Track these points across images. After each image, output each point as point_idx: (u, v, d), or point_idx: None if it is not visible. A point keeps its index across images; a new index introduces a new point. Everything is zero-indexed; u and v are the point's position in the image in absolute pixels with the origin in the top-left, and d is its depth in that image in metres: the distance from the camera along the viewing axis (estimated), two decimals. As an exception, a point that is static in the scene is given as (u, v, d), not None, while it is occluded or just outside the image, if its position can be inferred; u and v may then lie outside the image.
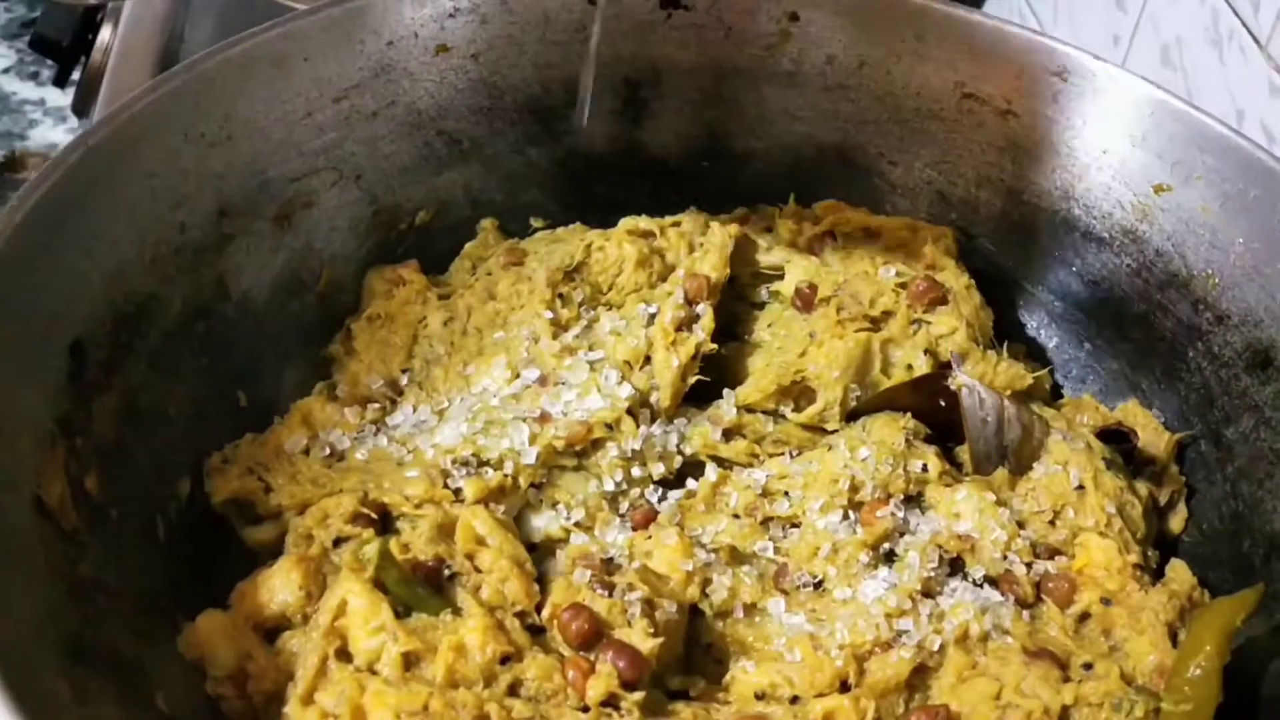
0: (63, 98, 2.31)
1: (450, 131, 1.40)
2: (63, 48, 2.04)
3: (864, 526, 1.18)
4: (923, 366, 1.30)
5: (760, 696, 1.08)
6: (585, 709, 1.00)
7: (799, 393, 1.31)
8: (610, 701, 1.01)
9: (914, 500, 1.22)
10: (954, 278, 1.36)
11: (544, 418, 1.23)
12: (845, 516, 1.19)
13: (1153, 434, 1.31)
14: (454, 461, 1.18)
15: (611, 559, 1.17)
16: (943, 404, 1.25)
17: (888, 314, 1.33)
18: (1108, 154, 1.37)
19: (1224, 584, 1.19)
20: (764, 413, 1.31)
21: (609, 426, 1.24)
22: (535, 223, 1.48)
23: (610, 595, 1.09)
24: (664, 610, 1.10)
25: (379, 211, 1.38)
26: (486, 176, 1.44)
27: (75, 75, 1.93)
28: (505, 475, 1.19)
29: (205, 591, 1.10)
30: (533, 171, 1.47)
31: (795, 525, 1.21)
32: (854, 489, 1.20)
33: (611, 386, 1.26)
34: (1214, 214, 1.29)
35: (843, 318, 1.31)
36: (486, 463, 1.19)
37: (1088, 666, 1.09)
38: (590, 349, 1.30)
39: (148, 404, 1.13)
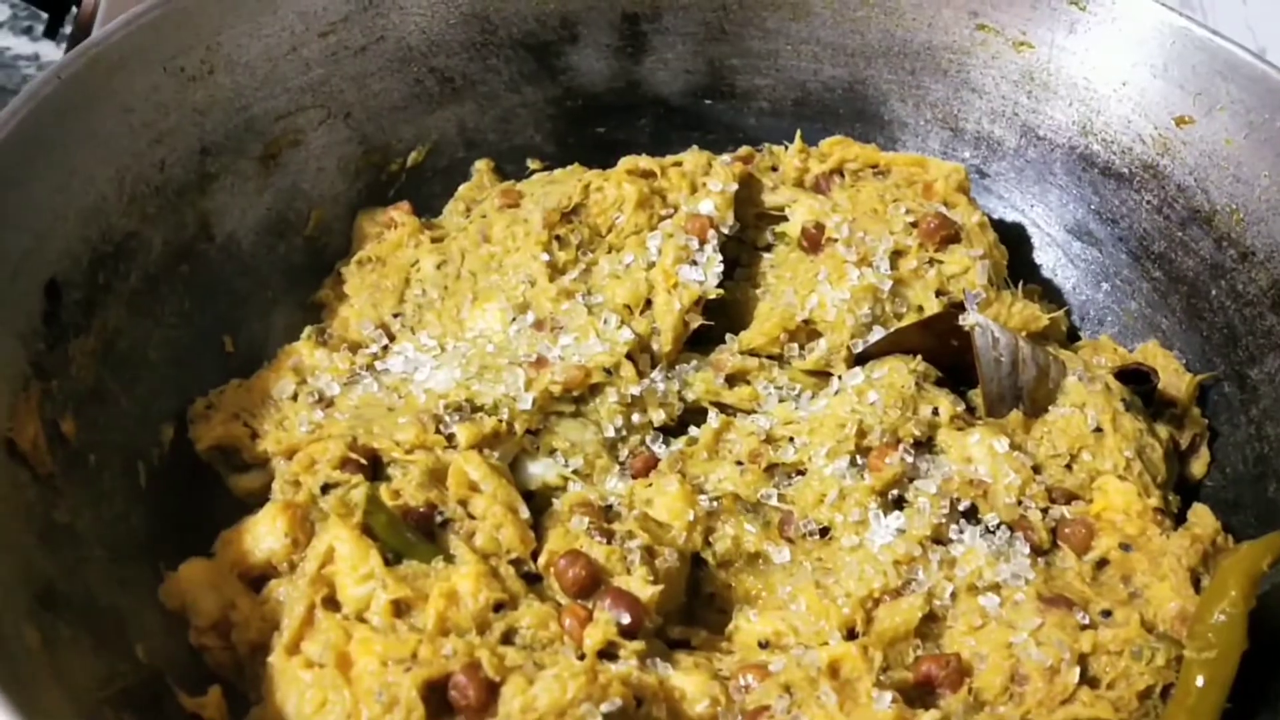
0: (57, 52, 2.27)
1: (442, 68, 1.35)
2: (53, -1, 2.01)
3: (872, 472, 1.13)
4: (934, 307, 1.25)
5: (764, 645, 1.04)
6: (582, 657, 0.96)
7: (805, 337, 1.27)
8: (608, 651, 0.97)
9: (925, 445, 1.17)
10: (967, 215, 1.30)
11: (540, 362, 1.19)
12: (853, 462, 1.15)
13: (1174, 375, 1.26)
14: (447, 407, 1.14)
15: (611, 507, 1.13)
16: (955, 344, 1.20)
17: (898, 253, 1.28)
18: (1127, 86, 1.32)
19: (1248, 529, 1.15)
20: (768, 357, 1.27)
21: (608, 371, 1.19)
22: (532, 164, 1.43)
23: (609, 542, 1.06)
24: (664, 558, 1.06)
25: (369, 151, 1.34)
26: (481, 116, 1.40)
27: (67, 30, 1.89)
28: (500, 421, 1.15)
29: (190, 540, 1.06)
30: (529, 111, 1.42)
31: (801, 472, 1.17)
32: (861, 434, 1.16)
33: (610, 330, 1.22)
34: (1238, 146, 1.24)
35: (850, 258, 1.26)
36: (480, 408, 1.15)
37: (1106, 614, 1.05)
38: (589, 292, 1.26)
39: (128, 347, 1.10)
